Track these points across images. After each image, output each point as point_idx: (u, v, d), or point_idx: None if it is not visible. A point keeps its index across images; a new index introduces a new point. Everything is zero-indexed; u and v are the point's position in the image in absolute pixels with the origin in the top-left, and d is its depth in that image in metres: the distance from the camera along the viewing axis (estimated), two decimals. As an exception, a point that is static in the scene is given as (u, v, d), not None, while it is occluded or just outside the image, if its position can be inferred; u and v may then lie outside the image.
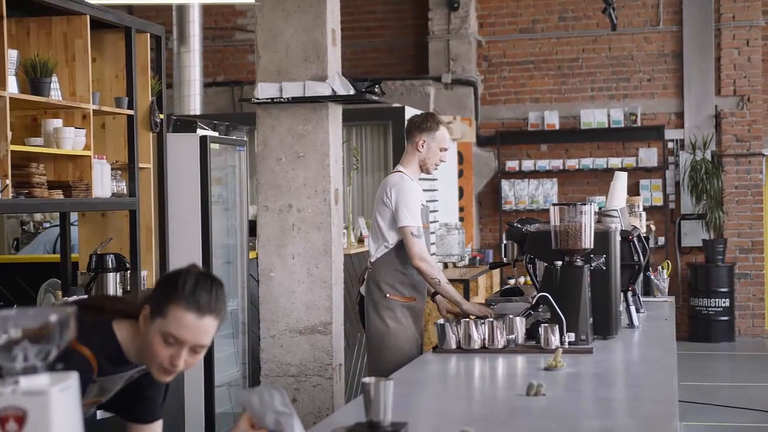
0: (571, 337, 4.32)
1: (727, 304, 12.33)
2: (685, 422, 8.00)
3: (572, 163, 12.85)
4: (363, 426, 2.76)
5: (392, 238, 5.19)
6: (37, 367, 1.75)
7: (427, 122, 5.32)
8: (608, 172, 12.62)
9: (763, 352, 12.05)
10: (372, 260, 5.29)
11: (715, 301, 12.31)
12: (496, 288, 10.60)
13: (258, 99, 5.78)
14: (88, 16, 5.23)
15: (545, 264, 4.58)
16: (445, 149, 5.34)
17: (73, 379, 1.78)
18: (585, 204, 4.46)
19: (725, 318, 12.35)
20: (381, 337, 5.22)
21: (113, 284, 5.48)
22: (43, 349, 1.76)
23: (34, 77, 4.85)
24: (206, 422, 6.32)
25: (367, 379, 2.74)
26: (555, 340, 4.22)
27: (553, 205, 4.50)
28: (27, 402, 1.71)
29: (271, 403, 2.54)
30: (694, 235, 12.65)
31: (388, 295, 5.21)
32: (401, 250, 5.17)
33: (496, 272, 11.21)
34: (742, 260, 12.67)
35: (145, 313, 2.67)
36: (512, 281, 11.91)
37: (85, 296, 5.00)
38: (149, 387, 2.90)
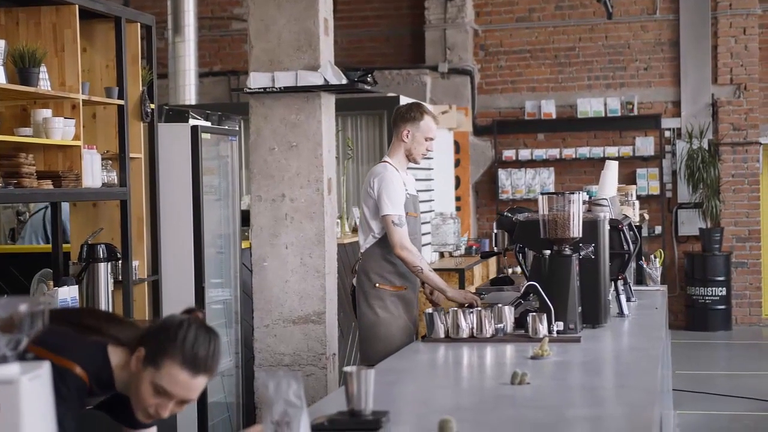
0: (559, 326, 4.32)
1: (724, 292, 12.34)
2: (680, 411, 8.01)
3: (569, 152, 12.85)
4: (344, 415, 2.77)
5: (378, 228, 5.23)
6: (7, 356, 1.75)
7: (411, 112, 5.34)
8: (605, 162, 12.58)
9: (759, 340, 12.07)
10: (361, 251, 5.33)
11: (712, 290, 12.32)
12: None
13: (250, 89, 5.78)
14: (77, 6, 5.21)
15: (534, 253, 4.58)
16: (431, 139, 5.36)
17: (44, 368, 1.78)
18: (573, 193, 4.46)
19: (722, 307, 12.36)
20: (371, 327, 5.25)
21: (104, 274, 5.47)
22: (13, 338, 1.76)
23: (22, 67, 4.84)
24: (198, 412, 6.33)
25: (348, 369, 2.75)
26: (543, 329, 4.22)
27: (542, 194, 4.51)
28: (-3, 391, 1.71)
29: (286, 392, 2.55)
30: (690, 224, 12.65)
31: (377, 284, 5.24)
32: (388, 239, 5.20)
33: (493, 261, 11.22)
34: (739, 249, 12.67)
35: (140, 355, 2.67)
36: (509, 270, 11.92)
37: (81, 308, 4.99)
38: None
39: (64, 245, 5.81)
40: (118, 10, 5.72)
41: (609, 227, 4.82)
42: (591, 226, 4.59)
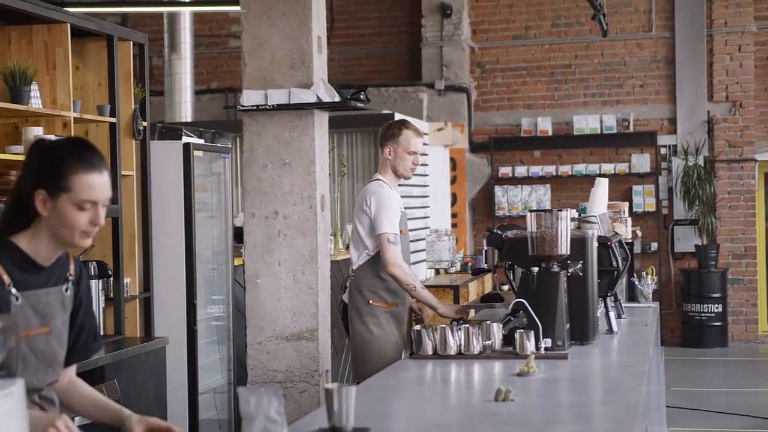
0: (547, 342, 4.32)
1: (720, 309, 12.34)
2: (675, 428, 8.00)
3: (565, 169, 12.87)
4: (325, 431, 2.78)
5: (372, 246, 5.27)
6: (-21, 373, 1.77)
7: (389, 129, 5.46)
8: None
9: (755, 357, 12.05)
10: (354, 267, 5.40)
11: (708, 307, 12.32)
12: (488, 294, 10.59)
13: (243, 106, 5.80)
14: (68, 25, 5.25)
15: (522, 270, 4.59)
16: (414, 152, 5.40)
17: (17, 386, 1.79)
18: (561, 210, 4.47)
19: (718, 323, 12.35)
20: (365, 344, 5.28)
21: (96, 291, 5.48)
22: (-14, 355, 1.77)
23: (13, 85, 4.87)
24: (190, 429, 6.33)
25: (329, 386, 2.76)
26: (530, 346, 4.23)
27: (530, 211, 4.52)
28: (-32, 408, 1.72)
29: (267, 408, 2.57)
30: (686, 240, 12.66)
31: (371, 301, 5.29)
32: None
33: (488, 278, 11.22)
34: (735, 266, 12.68)
35: (42, 197, 2.70)
36: (506, 287, 11.90)
37: None
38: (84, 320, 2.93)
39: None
40: (110, 28, 5.76)
41: (598, 244, 4.83)
42: (579, 243, 4.59)
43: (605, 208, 5.56)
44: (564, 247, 4.44)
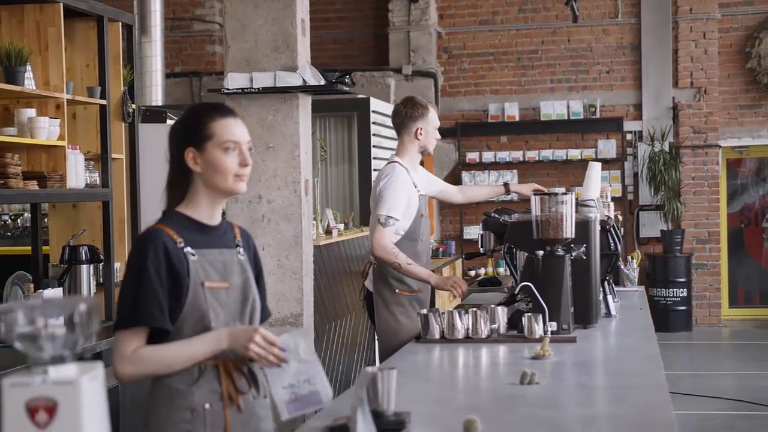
0: (553, 326, 4.33)
1: (685, 293, 12.48)
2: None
3: (532, 155, 12.92)
4: (366, 415, 2.75)
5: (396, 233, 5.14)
6: (65, 356, 1.73)
7: (417, 109, 5.32)
8: (567, 164, 12.73)
9: (719, 341, 12.22)
10: (376, 254, 5.15)
11: (673, 291, 12.45)
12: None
13: (228, 89, 5.74)
14: (61, 5, 5.15)
15: (526, 254, 4.58)
16: (437, 127, 5.41)
17: (99, 369, 1.75)
18: (566, 193, 4.47)
19: (683, 308, 12.50)
20: (393, 333, 5.16)
21: (86, 276, 5.41)
22: (71, 338, 1.73)
23: (8, 66, 4.77)
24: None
25: (371, 369, 2.73)
26: (539, 330, 4.23)
27: (535, 194, 4.51)
28: (57, 392, 1.68)
29: (296, 351, 2.56)
30: (652, 225, 12.78)
31: (397, 290, 5.18)
32: (406, 243, 5.13)
33: (458, 263, 11.25)
34: (699, 250, 12.82)
35: (192, 155, 2.86)
36: (482, 271, 11.97)
37: None
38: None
39: (44, 247, 5.73)
40: (100, 9, 5.65)
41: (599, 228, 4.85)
42: (582, 227, 4.60)
43: (599, 193, 5.59)
44: (569, 231, 4.44)
